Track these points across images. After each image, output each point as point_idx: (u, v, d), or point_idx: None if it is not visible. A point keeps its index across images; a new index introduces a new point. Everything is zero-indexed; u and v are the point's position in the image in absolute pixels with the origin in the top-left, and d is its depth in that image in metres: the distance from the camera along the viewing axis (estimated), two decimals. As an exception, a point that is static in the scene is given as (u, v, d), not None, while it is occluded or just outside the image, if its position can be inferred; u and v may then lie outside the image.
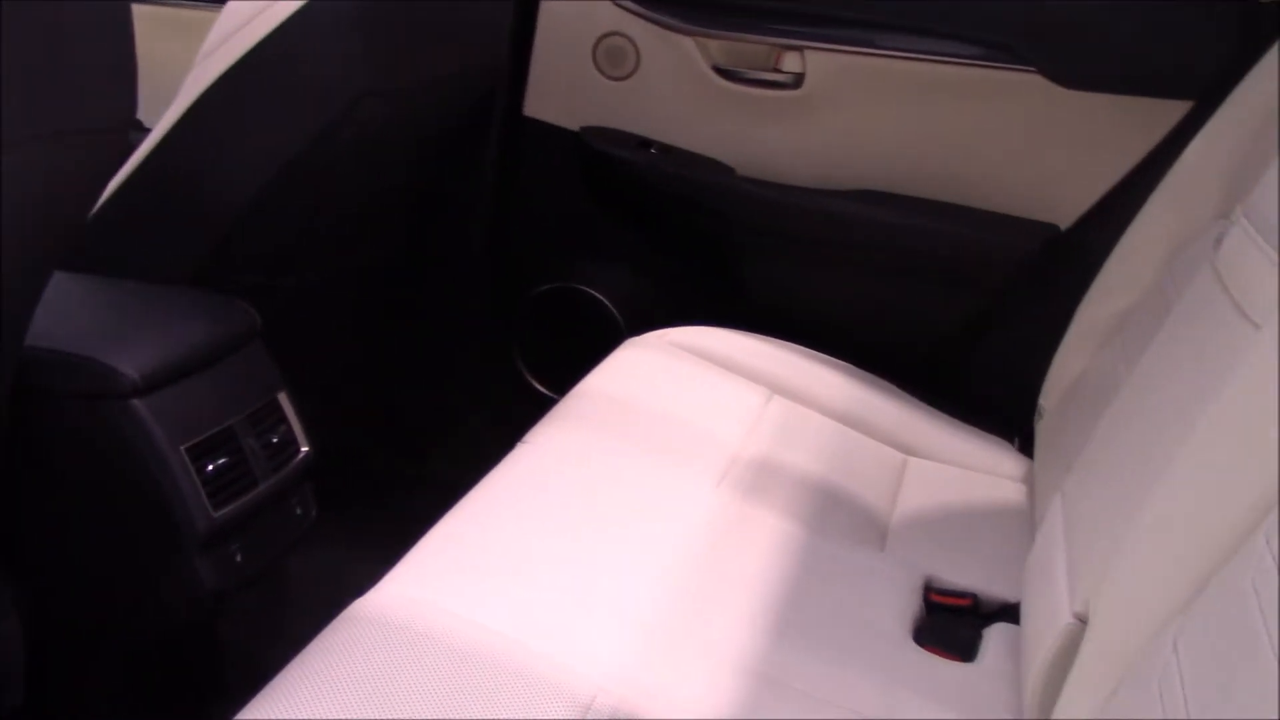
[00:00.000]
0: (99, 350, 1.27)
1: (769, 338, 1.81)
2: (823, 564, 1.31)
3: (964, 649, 1.25)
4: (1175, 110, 1.82)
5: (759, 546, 1.31)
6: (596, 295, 2.12)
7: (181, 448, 1.28)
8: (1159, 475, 0.98)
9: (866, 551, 1.38)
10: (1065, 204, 1.88)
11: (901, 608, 1.28)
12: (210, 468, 1.31)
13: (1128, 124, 1.84)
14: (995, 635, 1.27)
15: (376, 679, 0.99)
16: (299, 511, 1.48)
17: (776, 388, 1.70)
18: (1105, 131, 1.84)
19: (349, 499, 1.74)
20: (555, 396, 1.63)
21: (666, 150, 2.05)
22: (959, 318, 1.95)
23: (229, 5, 1.46)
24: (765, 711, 1.06)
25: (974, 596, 1.35)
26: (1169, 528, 0.93)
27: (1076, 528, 1.17)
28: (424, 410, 2.19)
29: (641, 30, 2.00)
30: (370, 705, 0.96)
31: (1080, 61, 1.84)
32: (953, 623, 1.31)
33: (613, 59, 2.03)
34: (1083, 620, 1.02)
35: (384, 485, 2.02)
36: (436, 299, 2.13)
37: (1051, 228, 1.87)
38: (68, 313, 1.31)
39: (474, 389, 2.23)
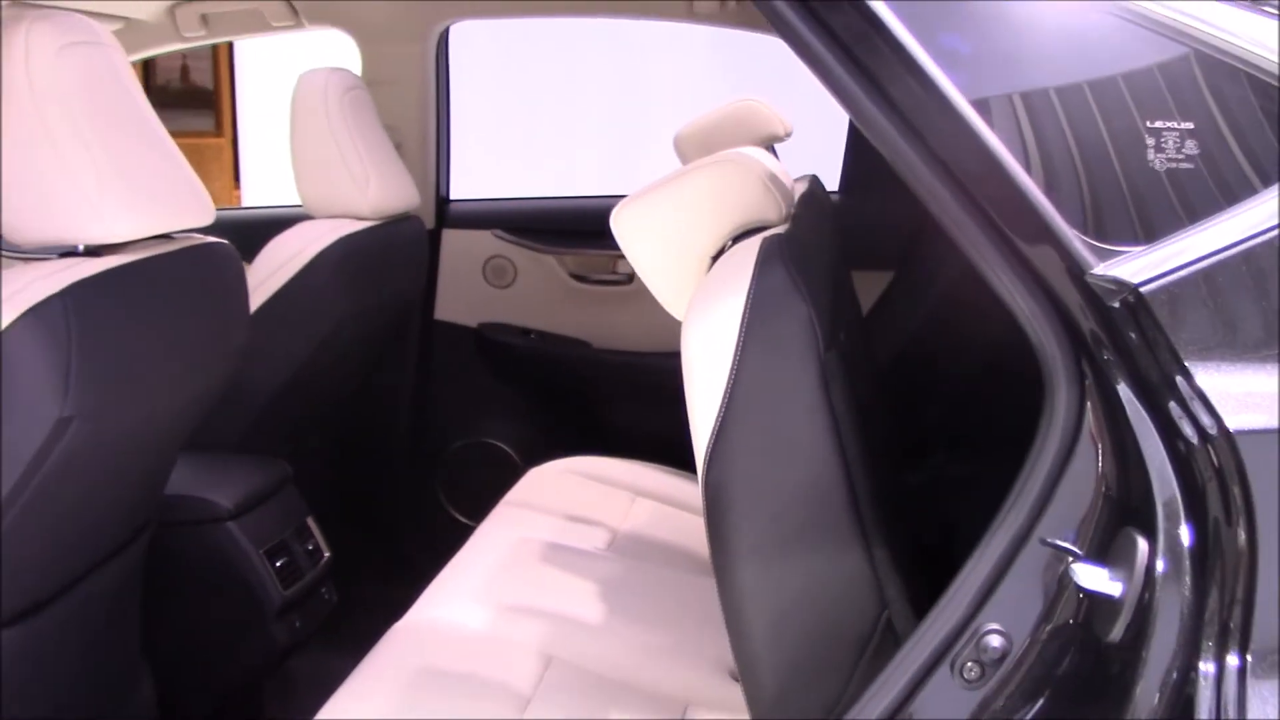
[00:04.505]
0: (203, 491, 1.97)
1: (627, 460, 2.54)
2: (684, 590, 2.04)
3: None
4: (884, 278, 2.68)
5: (639, 574, 2.04)
6: (498, 444, 2.88)
7: (260, 551, 1.98)
8: None
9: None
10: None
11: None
12: (278, 564, 2.00)
13: (857, 285, 2.67)
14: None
15: (422, 674, 1.65)
16: (326, 596, 2.17)
17: (638, 492, 2.44)
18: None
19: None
20: (473, 524, 2.27)
21: (542, 335, 2.85)
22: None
23: (263, 255, 2.19)
24: (655, 653, 1.79)
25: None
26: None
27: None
28: (377, 546, 2.87)
29: (517, 253, 2.82)
30: (419, 692, 1.60)
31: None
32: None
33: (498, 274, 2.84)
34: None
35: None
36: (380, 459, 2.85)
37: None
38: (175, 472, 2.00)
39: (411, 526, 2.94)
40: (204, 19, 2.58)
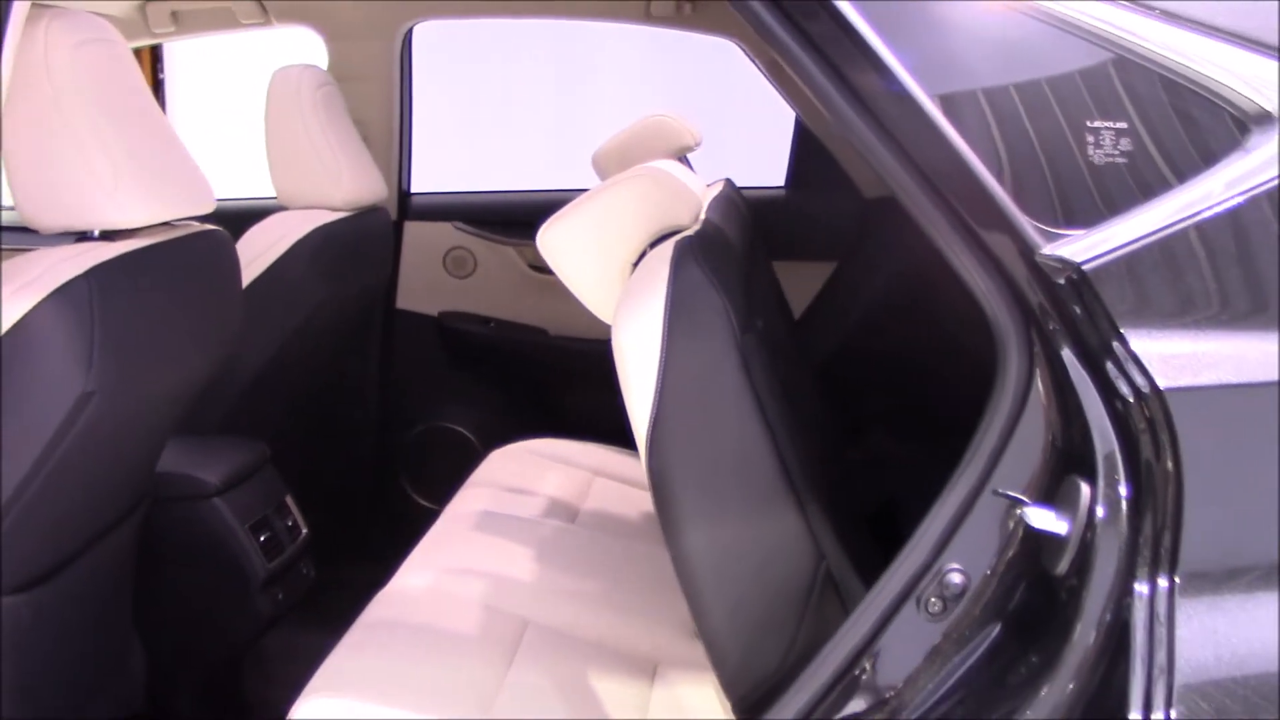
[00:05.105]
0: (191, 469, 2.05)
1: (583, 441, 2.65)
2: (647, 560, 2.17)
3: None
4: (827, 268, 2.83)
5: (604, 546, 2.17)
6: (458, 428, 2.98)
7: (245, 525, 2.07)
8: None
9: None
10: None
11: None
12: (262, 538, 2.10)
13: (802, 275, 2.83)
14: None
15: (411, 635, 1.75)
16: (304, 571, 2.26)
17: (596, 471, 2.56)
18: (787, 281, 2.78)
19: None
20: (438, 509, 2.36)
21: (501, 323, 2.96)
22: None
23: (240, 244, 2.27)
24: (625, 617, 1.91)
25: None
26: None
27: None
28: (343, 529, 2.95)
29: (477, 244, 2.92)
30: (411, 652, 1.70)
31: (767, 241, 2.81)
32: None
33: (458, 264, 2.94)
34: None
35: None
36: (348, 444, 2.94)
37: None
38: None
39: (375, 509, 3.03)
40: (174, 16, 2.65)
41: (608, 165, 2.65)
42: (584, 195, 1.65)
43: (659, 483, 1.36)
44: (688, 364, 1.33)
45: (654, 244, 1.60)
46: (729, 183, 2.23)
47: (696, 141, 2.65)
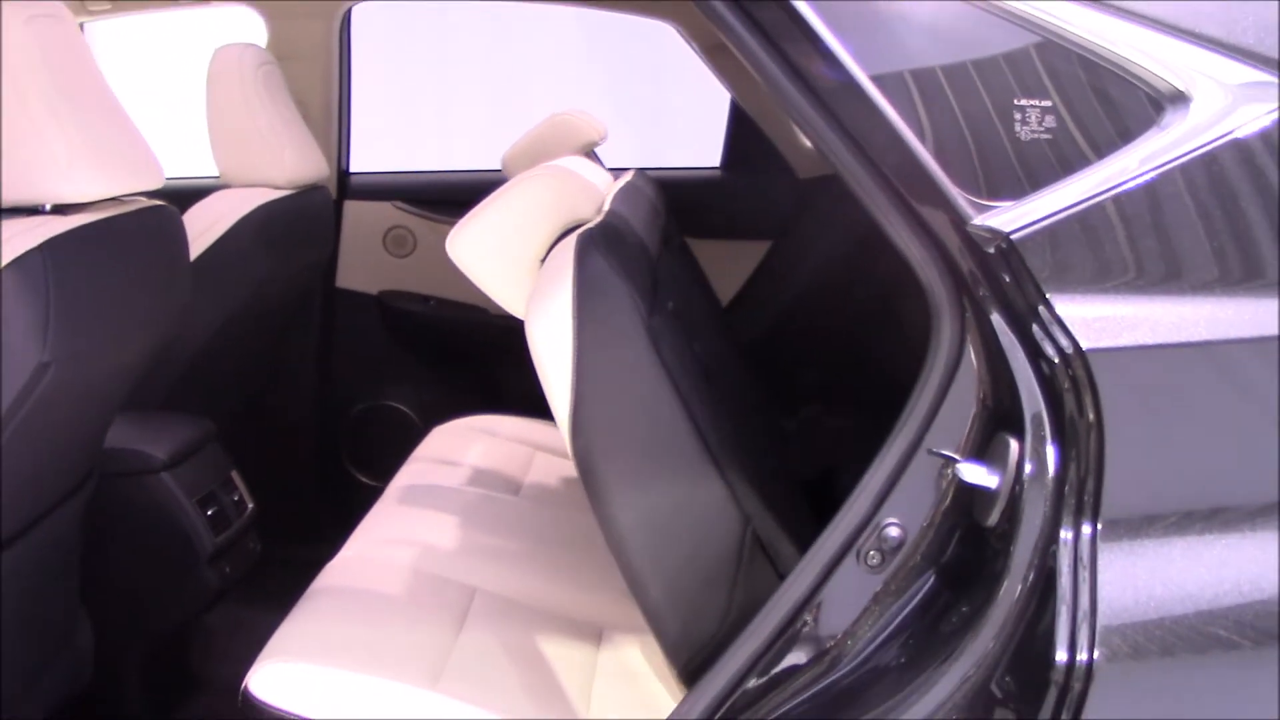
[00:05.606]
0: (139, 444, 2.07)
1: (523, 417, 2.70)
2: (589, 529, 2.22)
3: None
4: (762, 247, 2.90)
5: (547, 517, 2.22)
6: (399, 406, 3.01)
7: (193, 500, 2.09)
8: None
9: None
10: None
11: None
12: (209, 512, 2.12)
13: (737, 254, 2.90)
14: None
15: (363, 602, 1.80)
16: (251, 545, 2.28)
17: (537, 446, 2.61)
18: (723, 260, 2.87)
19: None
20: (380, 486, 2.40)
21: (440, 301, 2.99)
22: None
23: (186, 217, 2.28)
24: (569, 584, 1.96)
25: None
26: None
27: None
28: (285, 507, 2.96)
29: (416, 223, 2.95)
30: (363, 618, 1.75)
31: (703, 221, 2.89)
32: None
33: (398, 243, 2.97)
34: None
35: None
36: (289, 422, 2.96)
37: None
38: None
39: (316, 487, 3.05)
40: (111, -8, 2.65)
41: (517, 166, 2.70)
42: (487, 198, 1.70)
43: (584, 464, 1.43)
44: (599, 349, 1.39)
45: (560, 239, 1.65)
46: (638, 172, 2.30)
47: (602, 136, 2.71)
